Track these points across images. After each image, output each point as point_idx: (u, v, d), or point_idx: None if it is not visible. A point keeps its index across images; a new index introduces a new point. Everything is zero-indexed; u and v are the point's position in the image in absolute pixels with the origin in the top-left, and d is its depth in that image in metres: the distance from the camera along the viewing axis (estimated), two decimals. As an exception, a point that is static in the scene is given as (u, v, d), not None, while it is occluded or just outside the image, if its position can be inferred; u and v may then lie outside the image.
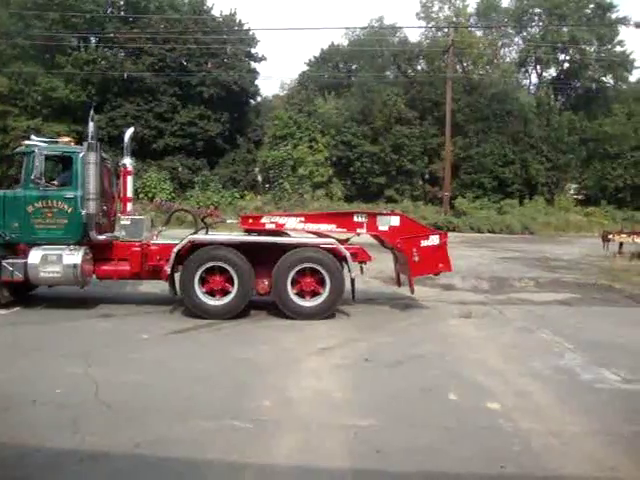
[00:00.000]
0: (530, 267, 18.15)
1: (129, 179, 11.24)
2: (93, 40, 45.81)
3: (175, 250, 9.75)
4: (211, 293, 9.74)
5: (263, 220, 10.46)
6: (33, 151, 9.86)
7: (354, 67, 51.88)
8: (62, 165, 10.66)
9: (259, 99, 54.83)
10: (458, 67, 45.39)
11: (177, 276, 10.07)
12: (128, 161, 11.25)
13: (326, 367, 7.13)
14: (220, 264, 9.66)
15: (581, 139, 42.53)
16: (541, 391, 6.26)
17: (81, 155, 9.84)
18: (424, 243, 10.31)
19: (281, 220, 10.44)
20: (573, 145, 41.57)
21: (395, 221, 10.44)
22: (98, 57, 44.67)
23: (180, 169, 42.92)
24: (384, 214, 10.87)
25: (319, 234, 10.51)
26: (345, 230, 10.41)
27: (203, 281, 9.72)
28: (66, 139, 10.94)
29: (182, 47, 44.96)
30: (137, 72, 43.83)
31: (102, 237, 10.17)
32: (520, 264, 18.64)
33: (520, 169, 39.78)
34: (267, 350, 7.89)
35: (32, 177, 9.76)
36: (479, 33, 49.47)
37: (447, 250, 10.58)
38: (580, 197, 44.09)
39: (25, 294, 10.88)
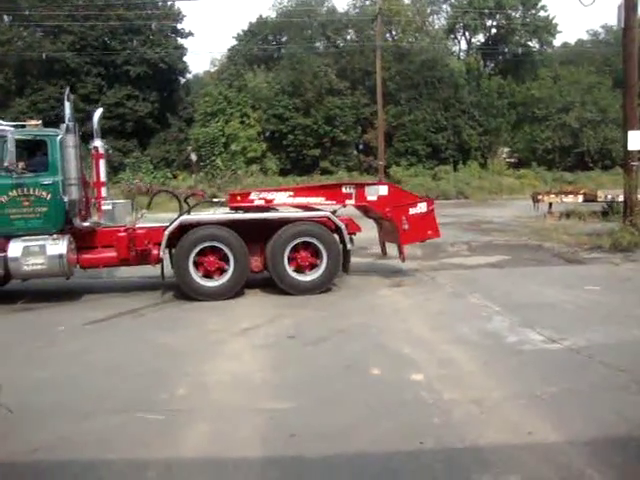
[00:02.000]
0: (463, 231, 18.27)
1: (101, 162, 10.58)
2: (6, 18, 43.36)
3: (167, 232, 9.44)
4: (206, 274, 9.47)
5: (251, 197, 10.22)
6: (3, 136, 9.03)
7: (284, 40, 51.05)
8: (34, 150, 9.87)
9: (189, 76, 53.60)
10: (387, 36, 45.22)
11: (166, 260, 9.77)
12: (99, 143, 10.61)
13: (248, 348, 6.86)
14: (215, 244, 9.43)
15: (510, 103, 43.22)
16: (466, 358, 6.15)
17: (59, 138, 9.21)
18: (412, 211, 10.32)
19: (270, 195, 10.22)
20: (503, 109, 42.19)
21: (383, 190, 10.43)
22: (14, 37, 42.43)
23: (110, 152, 41.47)
24: (372, 184, 11.04)
25: (309, 207, 10.35)
26: (334, 202, 10.28)
27: (197, 263, 9.43)
28: (34, 122, 10.09)
29: (104, 24, 43.21)
30: (57, 52, 41.97)
31: (86, 224, 9.63)
32: (454, 229, 18.71)
33: (453, 135, 40.12)
34: (189, 334, 7.57)
35: (5, 164, 8.98)
36: (407, 1, 49.43)
37: (435, 216, 10.64)
38: (512, 160, 44.89)
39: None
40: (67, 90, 9.62)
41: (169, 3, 47.89)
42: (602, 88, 41.47)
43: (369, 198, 10.29)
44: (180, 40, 48.33)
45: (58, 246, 9.14)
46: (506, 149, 46.99)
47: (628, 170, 15.56)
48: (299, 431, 4.48)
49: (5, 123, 9.64)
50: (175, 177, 35.62)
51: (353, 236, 10.22)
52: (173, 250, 9.74)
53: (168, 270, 9.77)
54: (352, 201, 10.32)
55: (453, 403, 4.92)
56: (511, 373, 5.63)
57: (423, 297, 9.39)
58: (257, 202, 10.13)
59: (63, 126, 9.18)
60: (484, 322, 7.59)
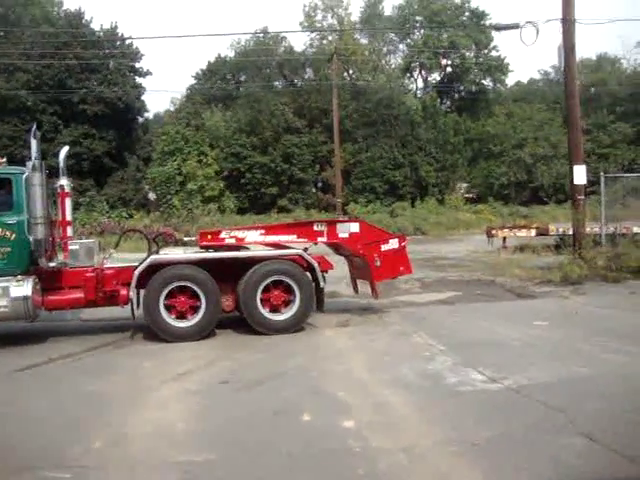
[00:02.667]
0: (417, 268, 17.93)
1: (67, 201, 10.16)
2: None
3: (137, 272, 9.19)
4: (177, 315, 9.19)
5: (222, 235, 10.05)
6: None
7: (242, 79, 51.34)
8: None
9: (147, 115, 53.30)
10: (345, 74, 45.85)
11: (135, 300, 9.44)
12: (65, 182, 10.19)
13: (177, 395, 6.50)
14: (186, 283, 9.18)
15: (466, 139, 43.92)
16: (402, 402, 5.89)
17: (24, 176, 8.92)
18: (384, 247, 10.29)
19: (240, 234, 10.08)
20: (459, 146, 42.82)
21: (355, 227, 10.35)
22: (-34, 75, 41.72)
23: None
24: (343, 221, 11.06)
25: (280, 245, 10.28)
26: (306, 240, 10.21)
27: (167, 303, 9.14)
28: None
29: (60, 63, 42.82)
30: (11, 90, 41.38)
31: (53, 264, 9.25)
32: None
33: (410, 171, 40.47)
34: (121, 380, 7.18)
35: None
36: (364, 41, 50.36)
37: (407, 253, 10.61)
38: (471, 195, 45.48)
39: None
40: (34, 127, 9.35)
41: (127, 42, 47.97)
42: (553, 124, 42.50)
43: (341, 235, 10.22)
44: (138, 79, 48.12)
45: (22, 288, 8.71)
46: (464, 184, 47.66)
47: (576, 204, 15.78)
48: (212, 488, 4.16)
49: None
50: (131, 216, 34.97)
51: (325, 274, 10.10)
52: (142, 290, 9.42)
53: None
54: (324, 238, 10.23)
55: (381, 452, 4.64)
56: (446, 417, 5.37)
57: (368, 337, 9.12)
58: (228, 241, 9.98)
59: (29, 164, 8.90)
60: (426, 363, 7.36)
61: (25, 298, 8.69)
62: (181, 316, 9.21)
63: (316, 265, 9.76)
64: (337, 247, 11.02)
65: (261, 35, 46.09)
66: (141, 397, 6.47)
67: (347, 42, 43.87)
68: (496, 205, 38.98)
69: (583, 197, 15.77)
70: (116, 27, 47.33)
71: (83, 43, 43.79)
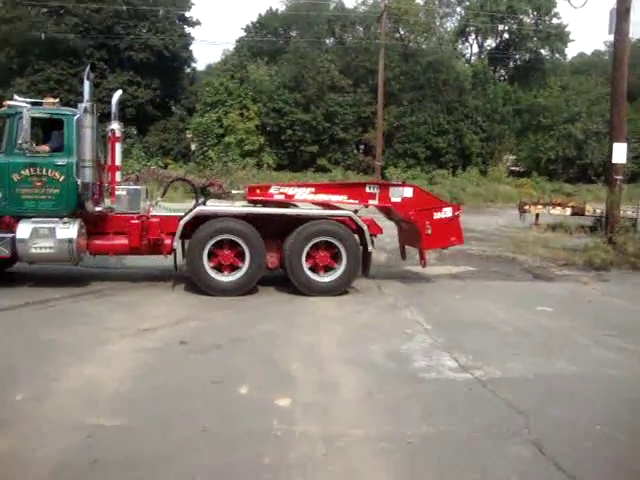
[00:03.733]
0: (440, 239, 17.47)
1: (117, 146, 10.02)
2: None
3: (182, 222, 9.07)
4: (219, 268, 9.05)
5: (271, 190, 9.81)
6: (19, 112, 8.64)
7: (293, 34, 50.29)
8: (50, 129, 9.39)
9: (197, 65, 53.04)
10: (396, 35, 44.33)
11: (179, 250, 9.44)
12: (116, 126, 10.04)
13: (128, 352, 6.22)
14: (231, 237, 9.01)
15: (516, 110, 42.19)
16: (353, 382, 5.41)
17: (76, 118, 8.85)
18: (437, 215, 9.96)
19: (290, 191, 9.83)
20: (508, 116, 41.13)
21: (408, 192, 9.98)
22: (17, 16, 41.89)
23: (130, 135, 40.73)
24: (397, 185, 10.46)
25: (329, 205, 10.01)
26: (357, 202, 9.93)
27: (211, 256, 9.01)
28: (51, 100, 9.62)
29: (109, 8, 42.62)
30: (60, 33, 41.46)
31: (99, 208, 9.26)
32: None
33: (454, 139, 39.12)
34: (81, 331, 6.95)
35: (19, 141, 8.62)
36: (419, 1, 48.57)
37: (460, 223, 10.29)
38: (517, 169, 43.96)
39: (3, 271, 9.76)
40: (87, 69, 9.13)
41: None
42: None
43: (393, 200, 9.90)
44: (188, 29, 47.76)
45: (68, 230, 8.75)
46: (512, 157, 46.07)
47: (611, 185, 14.79)
48: (106, 457, 3.83)
49: (21, 99, 9.22)
50: (166, 166, 34.86)
51: (374, 238, 9.82)
52: (187, 241, 9.31)
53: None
54: (375, 201, 9.95)
55: (302, 438, 4.19)
56: (393, 406, 4.86)
57: (357, 308, 8.65)
58: (277, 197, 9.76)
59: (81, 105, 8.78)
60: (402, 342, 6.82)
61: (70, 241, 8.72)
62: (224, 270, 9.06)
63: (365, 228, 9.46)
64: (388, 212, 10.72)
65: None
66: (91, 350, 6.22)
67: (400, 1, 42.22)
68: (540, 180, 37.44)
69: (621, 177, 14.73)
70: (167, -26, 46.85)
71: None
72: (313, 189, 9.97)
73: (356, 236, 9.50)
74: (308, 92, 39.61)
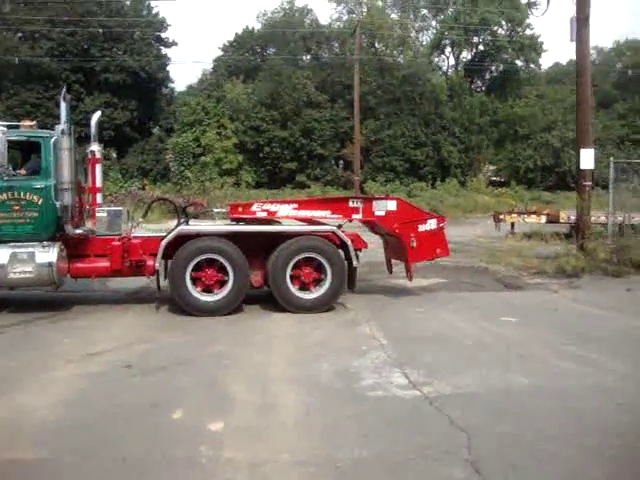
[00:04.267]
0: (414, 251, 17.29)
1: (98, 168, 9.98)
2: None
3: (164, 243, 8.91)
4: (203, 289, 8.90)
5: (253, 208, 9.71)
6: None
7: (270, 52, 50.37)
8: (27, 152, 9.38)
9: (173, 85, 52.80)
10: (372, 50, 44.46)
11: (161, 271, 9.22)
12: (96, 148, 10.00)
13: (70, 377, 5.99)
14: (213, 256, 8.86)
15: (493, 121, 42.36)
16: (293, 403, 5.16)
17: (53, 140, 8.72)
18: (422, 228, 9.92)
19: (273, 207, 9.75)
20: (485, 127, 41.29)
21: (392, 205, 9.92)
22: (-9, 41, 41.71)
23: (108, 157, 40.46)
24: (380, 198, 10.45)
25: (313, 221, 9.92)
26: (341, 216, 9.87)
27: (194, 276, 8.85)
28: (29, 123, 9.53)
29: (84, 31, 42.52)
30: (35, 57, 41.27)
31: (79, 231, 9.06)
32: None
33: (432, 151, 39.16)
34: (25, 357, 6.71)
35: None
36: (395, 16, 48.84)
37: (445, 234, 10.28)
38: (497, 179, 44.03)
39: None
40: (63, 90, 8.93)
41: (153, 12, 47.45)
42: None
43: (377, 213, 9.82)
44: (164, 50, 47.76)
45: (48, 254, 8.60)
46: (491, 167, 46.19)
47: (580, 191, 14.68)
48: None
49: None
50: (143, 188, 34.57)
51: (359, 252, 9.70)
52: (169, 261, 9.16)
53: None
54: (359, 215, 9.85)
55: (227, 465, 3.95)
56: (329, 428, 4.62)
57: (314, 324, 8.39)
58: (259, 214, 9.66)
59: (58, 127, 8.62)
60: (354, 358, 6.58)
61: (50, 264, 8.57)
62: (208, 290, 8.90)
63: (349, 243, 9.35)
64: (373, 225, 10.63)
65: (287, 7, 44.97)
66: (31, 377, 5.99)
67: (374, 16, 42.43)
68: (518, 189, 37.52)
69: (589, 183, 14.64)
70: (143, -4, 46.93)
71: (108, 11, 43.46)
72: (296, 205, 9.87)
73: (341, 251, 9.38)
74: (285, 109, 39.60)
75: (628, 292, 11.38)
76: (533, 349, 7.06)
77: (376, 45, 45.04)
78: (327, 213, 9.77)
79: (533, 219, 19.74)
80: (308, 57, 46.84)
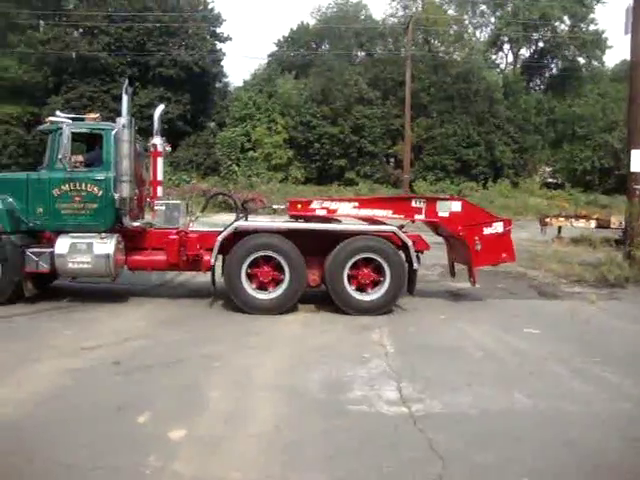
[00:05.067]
0: (453, 253, 16.68)
1: (159, 161, 10.03)
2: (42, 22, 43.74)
3: (220, 238, 8.83)
4: (259, 286, 8.79)
5: (313, 205, 9.51)
6: (59, 128, 8.77)
7: (324, 47, 50.07)
8: (91, 144, 9.55)
9: (227, 80, 53.21)
10: (426, 46, 43.58)
11: (218, 267, 9.09)
12: (158, 141, 10.05)
13: (52, 372, 5.86)
14: (270, 253, 8.74)
15: (550, 120, 40.86)
16: (268, 415, 4.82)
17: (114, 132, 8.83)
18: (487, 231, 9.51)
19: (333, 205, 9.54)
20: (541, 126, 39.84)
21: (456, 206, 9.57)
22: (53, 36, 42.83)
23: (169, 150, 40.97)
24: (444, 199, 10.21)
25: (374, 220, 9.65)
26: (402, 216, 9.61)
27: (250, 273, 8.76)
28: (93, 115, 9.77)
29: (140, 26, 43.24)
30: (93, 52, 42.19)
31: (136, 224, 9.18)
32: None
33: (485, 151, 38.12)
34: (20, 348, 6.71)
35: (59, 157, 8.72)
36: (452, 12, 47.77)
37: (511, 238, 9.84)
38: (554, 180, 42.55)
39: (47, 286, 9.89)
40: (126, 83, 9.08)
41: (209, 6, 47.84)
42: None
43: (440, 214, 9.46)
44: (219, 45, 48.13)
45: (106, 245, 8.74)
46: (548, 168, 44.68)
47: (630, 195, 13.80)
48: None
49: (63, 115, 9.32)
50: (188, 182, 34.77)
51: (420, 254, 9.40)
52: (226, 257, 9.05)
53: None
54: (422, 216, 9.51)
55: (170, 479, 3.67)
56: (296, 444, 4.26)
57: (323, 328, 8.07)
58: (319, 211, 9.43)
59: (119, 120, 8.72)
60: (352, 367, 6.20)
61: (107, 256, 8.67)
62: (263, 288, 8.78)
63: (410, 244, 9.03)
64: (436, 227, 10.29)
65: (342, 2, 44.50)
66: (14, 370, 5.91)
67: (430, 12, 41.52)
68: (573, 192, 36.03)
69: (640, 187, 13.74)
70: (200, -8, 47.40)
71: (164, 7, 44.06)
72: (357, 203, 9.61)
73: (401, 253, 9.05)
74: (335, 105, 39.23)
75: (674, 305, 10.59)
76: (548, 366, 6.50)
77: (430, 42, 44.07)
78: (389, 213, 9.47)
79: (581, 224, 18.85)
80: (362, 53, 46.27)
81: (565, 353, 7.03)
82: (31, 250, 8.76)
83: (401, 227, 9.44)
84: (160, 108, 10.93)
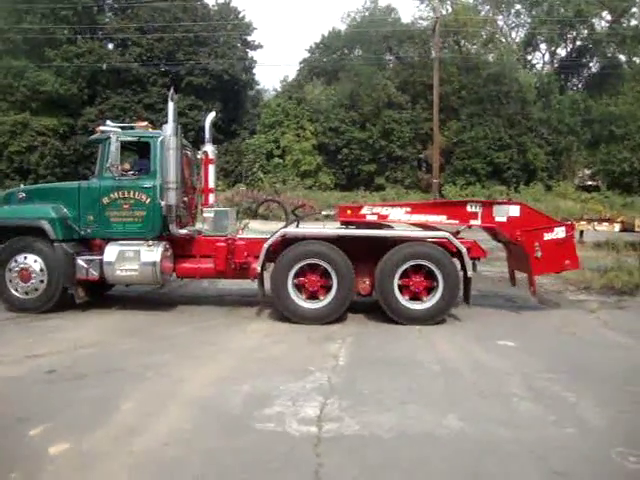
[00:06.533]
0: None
1: (211, 168, 10.13)
2: (79, 36, 44.67)
3: (266, 246, 8.65)
4: (306, 294, 8.59)
5: (363, 211, 9.25)
6: (108, 137, 8.91)
7: (357, 52, 49.70)
8: (140, 152, 9.66)
9: (260, 87, 53.44)
10: (456, 48, 42.76)
11: (267, 275, 8.91)
12: (210, 148, 10.15)
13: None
14: (317, 261, 8.52)
15: (586, 120, 39.34)
16: (162, 430, 4.53)
17: (160, 140, 8.90)
18: (548, 236, 9.09)
19: (384, 211, 9.24)
20: (575, 127, 38.48)
21: (515, 211, 9.16)
22: (87, 50, 43.73)
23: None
24: (502, 203, 9.88)
25: (426, 226, 9.45)
26: (457, 222, 9.21)
27: (297, 281, 8.57)
28: (143, 124, 9.91)
29: (170, 36, 43.78)
30: (124, 62, 42.90)
31: (183, 231, 9.22)
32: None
33: (517, 153, 37.03)
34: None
35: (107, 165, 8.86)
36: (485, 13, 46.75)
37: (574, 244, 9.45)
38: (594, 183, 41.07)
39: (101, 293, 10.18)
40: (171, 90, 9.11)
41: (240, 15, 48.10)
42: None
43: (497, 219, 9.09)
44: (250, 52, 48.37)
45: (152, 253, 8.78)
46: (587, 171, 43.20)
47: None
48: None
49: (113, 125, 9.39)
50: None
51: (477, 261, 9.09)
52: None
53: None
54: (478, 221, 9.13)
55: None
56: (172, 467, 3.95)
57: (283, 338, 7.73)
58: (369, 217, 9.17)
59: (165, 127, 8.79)
60: (287, 381, 5.83)
61: (154, 264, 8.70)
62: (311, 296, 8.55)
63: (464, 251, 8.64)
64: (495, 233, 9.93)
65: (370, 6, 44.09)
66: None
67: (460, 13, 40.71)
68: (609, 194, 34.60)
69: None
70: (230, 1, 47.75)
71: (194, 16, 44.51)
72: (409, 209, 9.24)
73: (455, 260, 8.69)
74: (364, 110, 38.80)
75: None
76: (505, 384, 5.95)
77: (461, 44, 43.22)
78: (443, 218, 9.12)
79: (604, 227, 17.92)
80: (391, 57, 45.75)
81: (532, 369, 6.47)
82: (82, 257, 8.86)
83: (457, 233, 9.08)
84: (211, 115, 10.81)
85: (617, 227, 17.73)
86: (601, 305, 10.43)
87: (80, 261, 8.82)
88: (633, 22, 43.50)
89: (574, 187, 36.53)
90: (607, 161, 38.04)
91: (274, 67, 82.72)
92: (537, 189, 34.95)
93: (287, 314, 8.47)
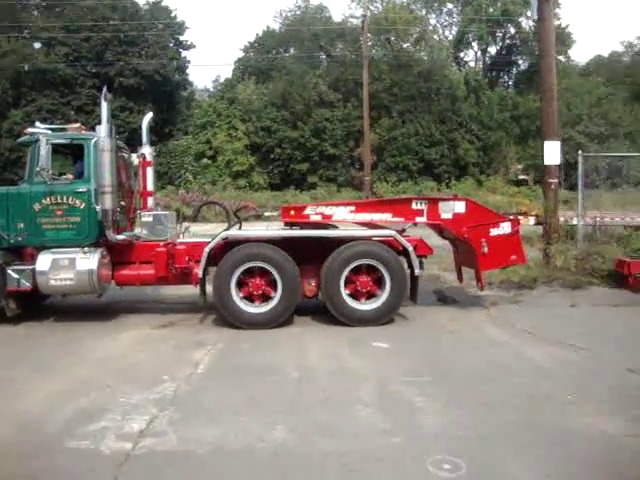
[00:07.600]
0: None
1: (149, 170, 9.70)
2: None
3: (207, 249, 8.37)
4: (250, 299, 8.33)
5: (307, 211, 9.06)
6: (38, 140, 8.34)
7: (291, 51, 49.47)
8: (72, 155, 9.22)
9: (193, 88, 52.55)
10: (387, 46, 42.96)
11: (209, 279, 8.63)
12: (147, 150, 9.76)
13: None
14: (260, 264, 8.26)
15: (514, 116, 40.07)
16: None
17: (93, 142, 8.43)
18: (494, 232, 9.06)
19: (328, 210, 9.07)
20: (504, 123, 39.13)
21: (460, 207, 9.10)
22: (10, 49, 42.18)
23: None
24: (447, 199, 9.56)
25: (372, 225, 9.35)
26: (402, 219, 9.12)
27: (241, 285, 8.32)
28: (75, 125, 9.31)
29: (98, 36, 42.59)
30: (51, 63, 41.53)
31: (121, 237, 8.81)
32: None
33: (448, 149, 37.42)
34: None
35: (37, 169, 8.28)
36: (417, 12, 47.15)
37: (520, 239, 9.40)
38: (525, 177, 41.82)
39: (35, 305, 9.42)
40: (104, 90, 8.53)
41: (172, 14, 47.21)
42: (615, 100, 37.90)
43: (443, 216, 9.03)
44: (183, 52, 47.49)
45: (88, 260, 8.34)
46: (520, 165, 43.96)
47: (546, 189, 13.06)
48: None
49: (43, 126, 8.92)
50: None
51: (424, 259, 9.04)
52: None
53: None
54: (423, 218, 9.05)
55: None
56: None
57: (151, 345, 7.50)
58: (313, 217, 8.98)
59: (99, 128, 8.38)
60: (132, 392, 5.55)
61: (90, 272, 8.29)
62: (255, 300, 8.32)
63: (411, 249, 8.57)
64: (441, 229, 9.82)
65: (302, 4, 43.94)
66: None
67: (391, 12, 40.89)
68: (536, 188, 35.25)
69: (555, 180, 12.96)
70: (160, 1, 46.81)
71: (122, 16, 43.47)
72: (353, 208, 9.11)
73: (402, 258, 8.59)
74: (296, 109, 38.56)
75: (572, 308, 9.92)
76: (356, 389, 5.71)
77: (392, 42, 43.44)
78: (388, 216, 9.02)
79: (521, 221, 18.07)
80: (323, 56, 45.68)
81: (395, 371, 6.29)
82: (12, 268, 8.37)
83: (402, 231, 8.97)
84: (148, 117, 10.47)
85: (532, 220, 17.97)
86: (498, 300, 10.43)
87: (11, 272, 8.32)
88: (556, 22, 44.54)
89: (504, 182, 37.07)
90: (535, 155, 38.74)
91: (209, 67, 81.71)
92: (468, 184, 35.35)
93: (231, 320, 8.20)
